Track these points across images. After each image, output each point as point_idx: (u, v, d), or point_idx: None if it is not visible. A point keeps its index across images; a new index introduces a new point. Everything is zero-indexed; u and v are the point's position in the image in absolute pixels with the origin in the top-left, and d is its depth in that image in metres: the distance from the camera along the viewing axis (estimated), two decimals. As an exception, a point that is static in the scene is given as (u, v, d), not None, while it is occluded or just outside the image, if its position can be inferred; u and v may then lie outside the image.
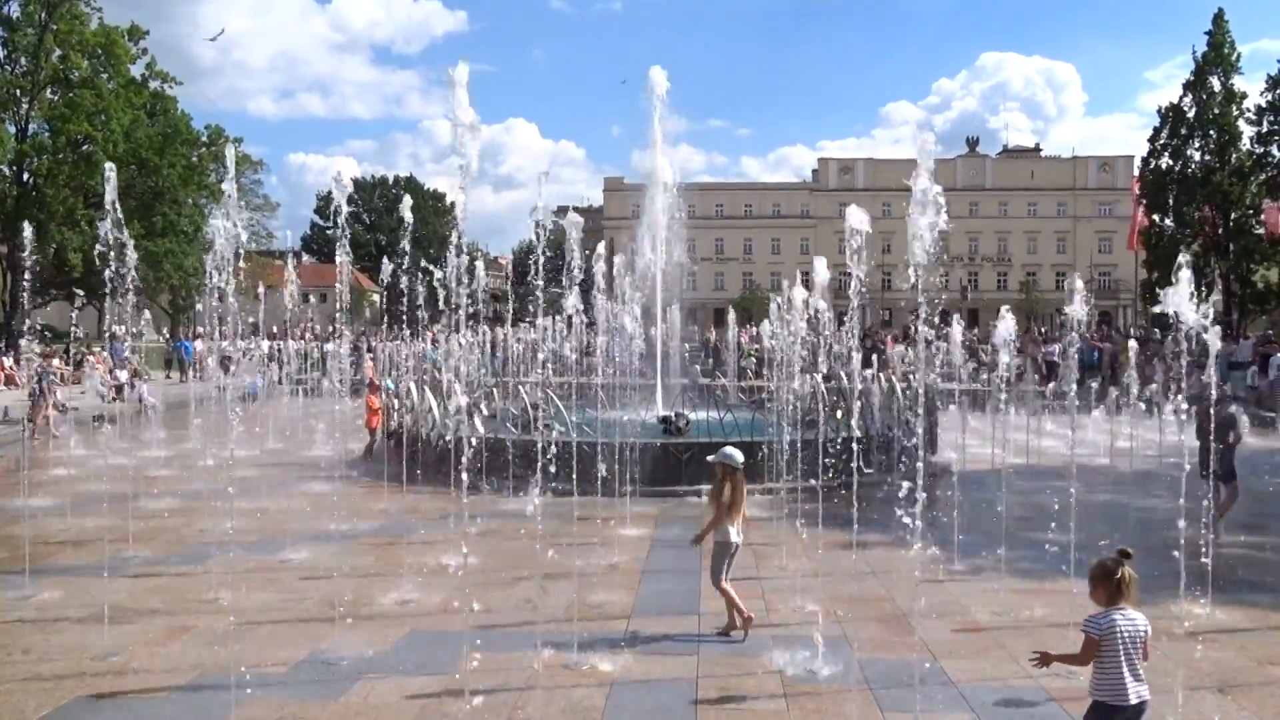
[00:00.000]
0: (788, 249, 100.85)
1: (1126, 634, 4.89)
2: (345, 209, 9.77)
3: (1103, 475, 16.49)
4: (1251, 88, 46.35)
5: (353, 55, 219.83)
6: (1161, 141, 45.30)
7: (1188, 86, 44.55)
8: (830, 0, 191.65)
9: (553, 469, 14.60)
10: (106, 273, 10.85)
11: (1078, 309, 9.88)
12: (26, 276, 33.36)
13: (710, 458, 8.28)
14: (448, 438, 15.80)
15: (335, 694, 6.73)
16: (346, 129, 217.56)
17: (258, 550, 10.82)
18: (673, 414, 16.93)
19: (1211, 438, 11.41)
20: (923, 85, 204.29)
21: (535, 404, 16.95)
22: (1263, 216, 42.08)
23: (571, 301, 12.25)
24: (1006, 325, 11.51)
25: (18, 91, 46.20)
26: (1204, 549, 8.10)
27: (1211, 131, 43.66)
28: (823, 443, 15.67)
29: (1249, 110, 43.56)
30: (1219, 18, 43.75)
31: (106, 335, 29.19)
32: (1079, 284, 10.48)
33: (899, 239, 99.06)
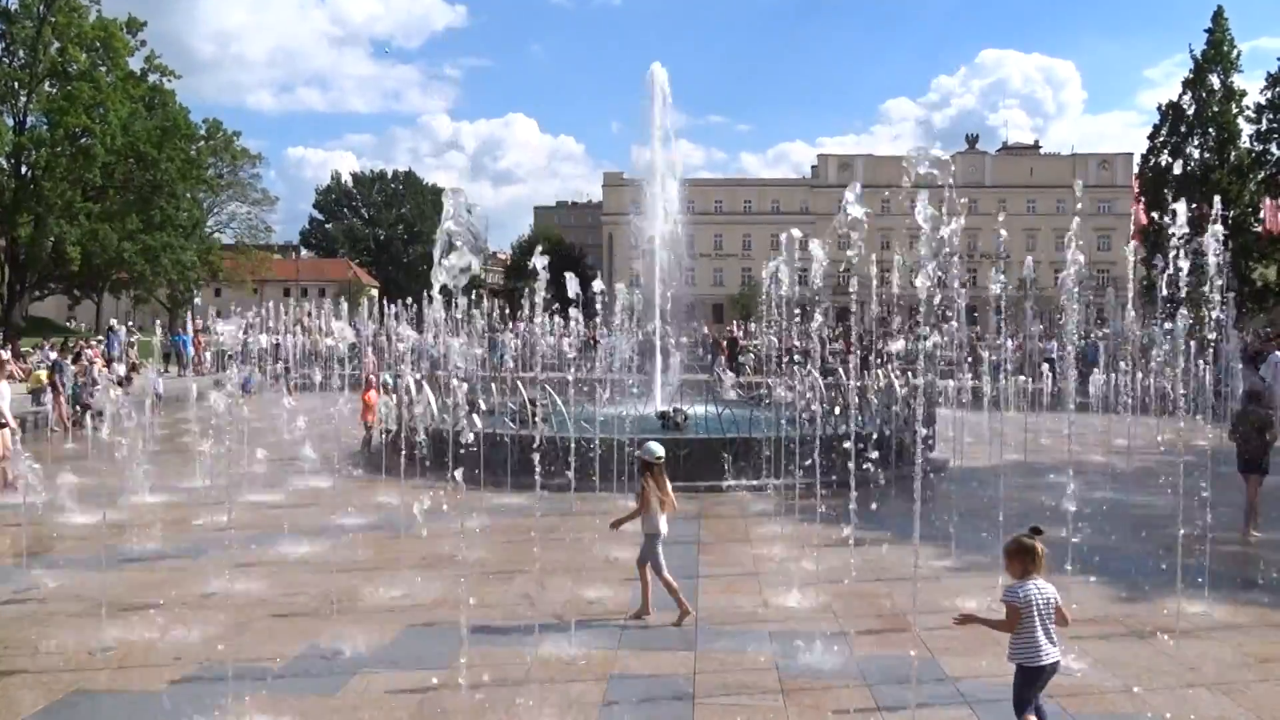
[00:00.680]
0: (786, 245, 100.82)
1: (1040, 602, 5.46)
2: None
3: (1101, 472, 16.50)
4: (1251, 85, 46.43)
5: (352, 49, 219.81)
6: (1161, 139, 45.33)
7: (1187, 84, 44.57)
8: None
9: (548, 464, 14.66)
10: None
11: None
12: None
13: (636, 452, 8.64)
14: (445, 432, 15.81)
15: (332, 688, 6.74)
16: (345, 123, 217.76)
17: (255, 544, 10.81)
18: (671, 409, 16.93)
19: (1245, 435, 11.82)
20: (922, 82, 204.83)
21: (533, 399, 16.94)
22: (1261, 214, 42.11)
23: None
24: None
25: (16, 84, 46.12)
26: (1201, 546, 8.12)
27: (1211, 129, 43.68)
28: (820, 439, 15.66)
29: (1248, 108, 43.57)
30: (1218, 15, 43.75)
31: (106, 329, 29.18)
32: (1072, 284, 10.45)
33: (897, 235, 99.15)
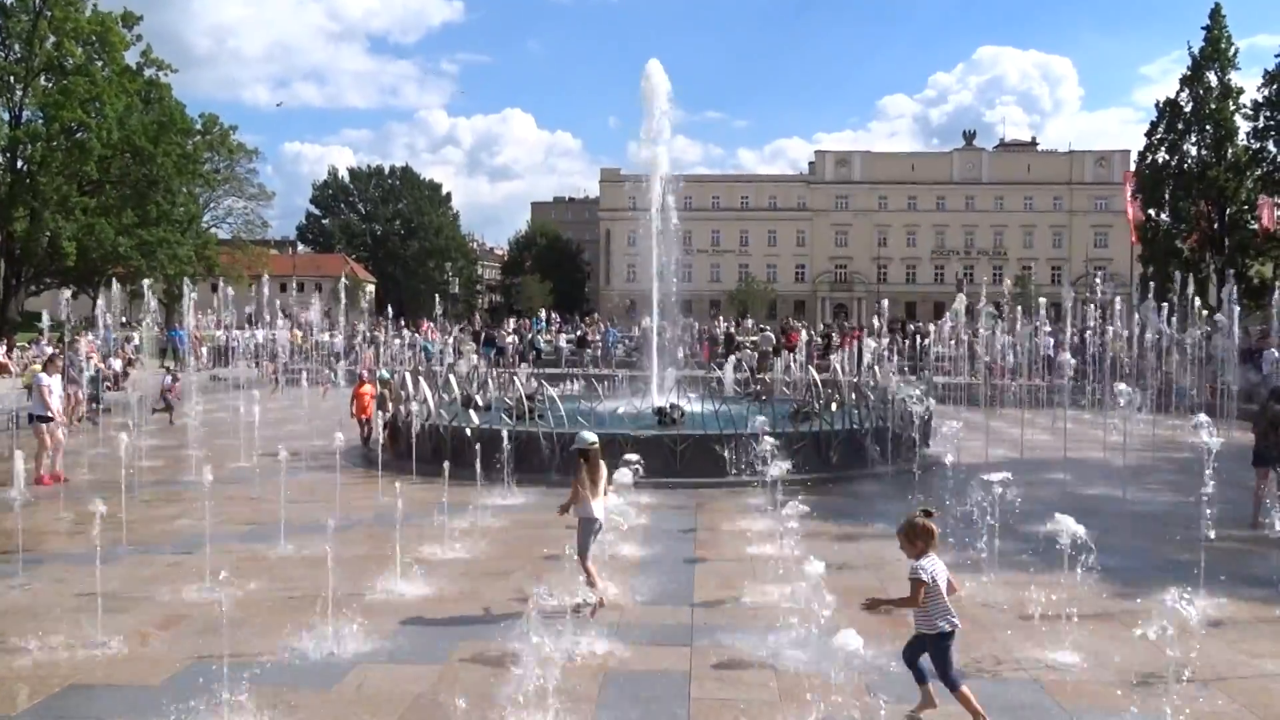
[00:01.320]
0: (784, 241, 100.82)
1: (940, 575, 6.01)
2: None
3: (1098, 469, 16.53)
4: (1248, 83, 46.40)
5: (349, 45, 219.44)
6: (1158, 136, 45.31)
7: (1184, 81, 44.55)
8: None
9: (547, 459, 14.64)
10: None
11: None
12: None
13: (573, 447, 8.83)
14: (442, 428, 15.81)
15: (329, 682, 6.74)
16: (342, 118, 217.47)
17: (251, 539, 10.81)
18: (668, 405, 16.94)
19: (1264, 430, 12.18)
20: (919, 78, 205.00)
21: (530, 395, 16.95)
22: (1258, 211, 42.14)
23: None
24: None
25: (11, 78, 45.97)
26: (1198, 542, 8.14)
27: (1208, 126, 43.67)
28: (818, 434, 15.69)
29: (1245, 106, 43.57)
30: (1216, 12, 43.74)
31: (102, 324, 29.10)
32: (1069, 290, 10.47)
33: (894, 232, 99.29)
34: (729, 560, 10.39)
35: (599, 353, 37.22)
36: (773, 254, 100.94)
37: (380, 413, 16.48)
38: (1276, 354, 26.78)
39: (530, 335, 42.49)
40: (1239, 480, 12.97)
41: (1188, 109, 44.31)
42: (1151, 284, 31.15)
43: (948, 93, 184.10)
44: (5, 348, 33.71)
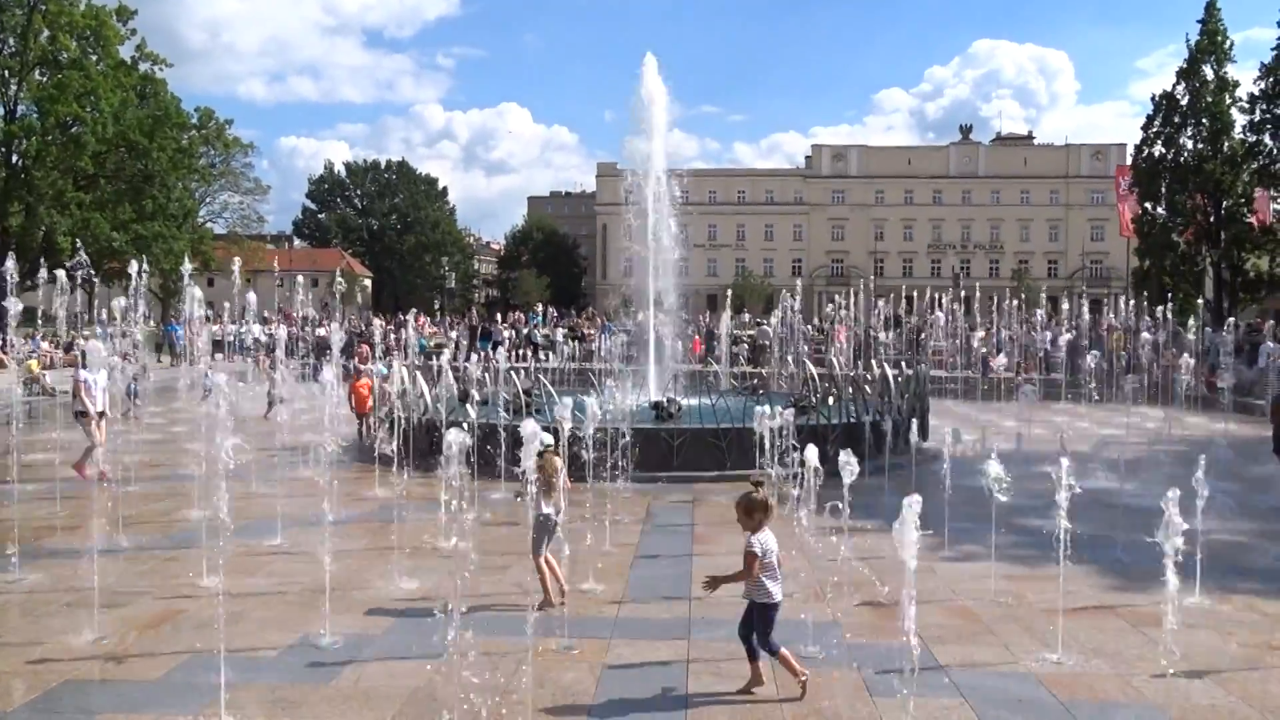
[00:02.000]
0: (781, 235, 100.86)
1: (772, 549, 6.35)
2: None
3: (1095, 462, 16.54)
4: (1244, 76, 46.40)
5: (344, 39, 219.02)
6: (1154, 129, 45.29)
7: (1181, 74, 44.51)
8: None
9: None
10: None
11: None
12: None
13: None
14: (439, 423, 15.79)
15: (326, 678, 6.74)
16: (338, 113, 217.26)
17: (248, 535, 10.79)
18: (664, 399, 16.93)
19: None
20: (915, 72, 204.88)
21: (528, 389, 16.93)
22: (1255, 205, 42.14)
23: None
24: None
25: (6, 73, 45.84)
26: (1195, 535, 8.13)
27: (1204, 120, 43.65)
28: (815, 427, 15.67)
29: (1242, 99, 43.55)
30: (1211, 6, 43.68)
31: (101, 319, 29.03)
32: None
33: (891, 226, 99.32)
34: (726, 553, 10.37)
35: (595, 347, 37.23)
36: (769, 248, 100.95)
37: (377, 407, 16.46)
38: (1271, 346, 26.82)
39: (527, 330, 42.47)
40: (1236, 472, 13.04)
41: (1184, 102, 44.27)
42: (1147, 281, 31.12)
43: (944, 86, 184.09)
44: (2, 342, 33.64)
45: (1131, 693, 6.57)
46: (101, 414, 14.31)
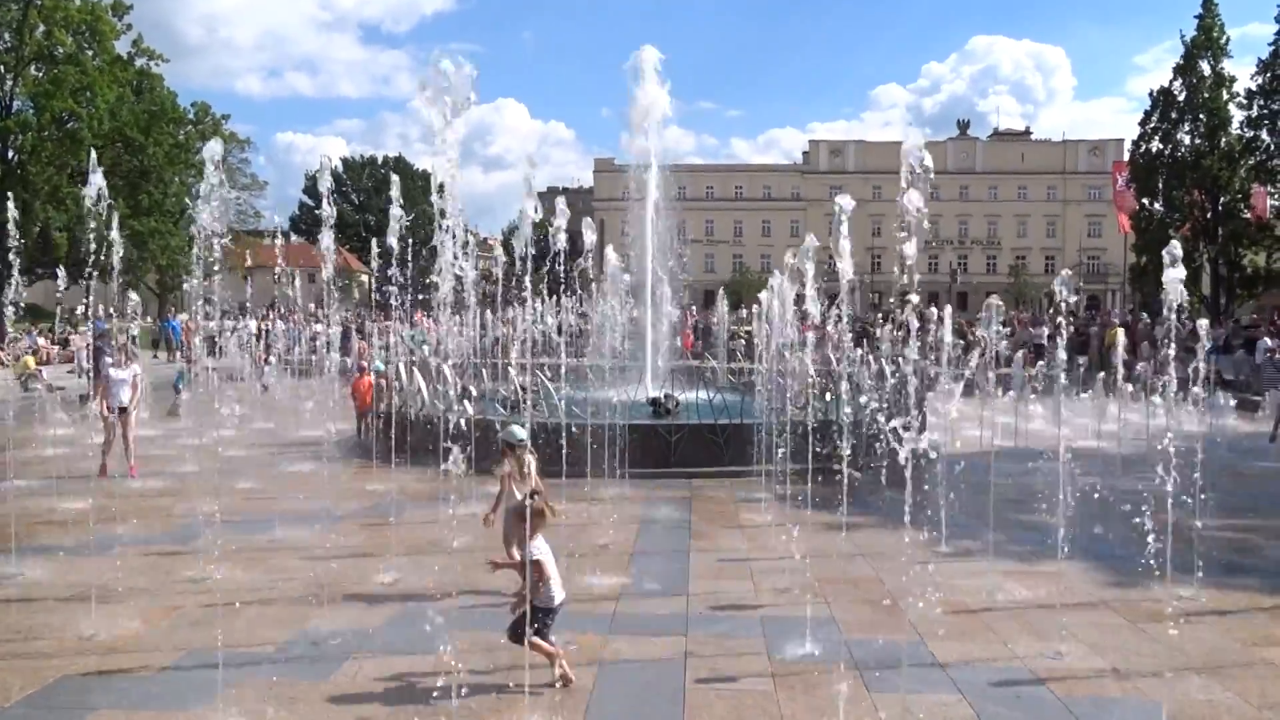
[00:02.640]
0: (778, 231, 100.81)
1: (552, 554, 6.58)
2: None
3: (1091, 458, 16.55)
4: (1241, 71, 46.42)
5: (341, 34, 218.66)
6: (1152, 125, 45.32)
7: (1178, 70, 44.52)
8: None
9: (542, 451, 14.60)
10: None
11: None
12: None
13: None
14: (436, 418, 15.77)
15: (324, 673, 6.73)
16: (335, 108, 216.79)
17: (246, 530, 10.79)
18: (662, 395, 16.92)
19: None
20: (912, 68, 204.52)
21: (525, 385, 16.91)
22: (1251, 201, 42.17)
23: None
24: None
25: (1, 68, 45.68)
26: (1192, 531, 8.15)
27: (1201, 116, 43.67)
28: (812, 425, 15.64)
29: (1239, 94, 43.57)
30: (1208, 1, 43.70)
31: (99, 314, 28.98)
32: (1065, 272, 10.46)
33: (888, 222, 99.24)
34: (723, 549, 10.39)
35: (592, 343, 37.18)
36: (767, 244, 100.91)
37: (376, 403, 16.45)
38: (1269, 342, 26.86)
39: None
40: (1233, 468, 13.06)
41: (1181, 98, 44.29)
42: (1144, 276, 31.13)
43: (941, 82, 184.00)
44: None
45: (1129, 689, 6.57)
46: (123, 410, 14.31)
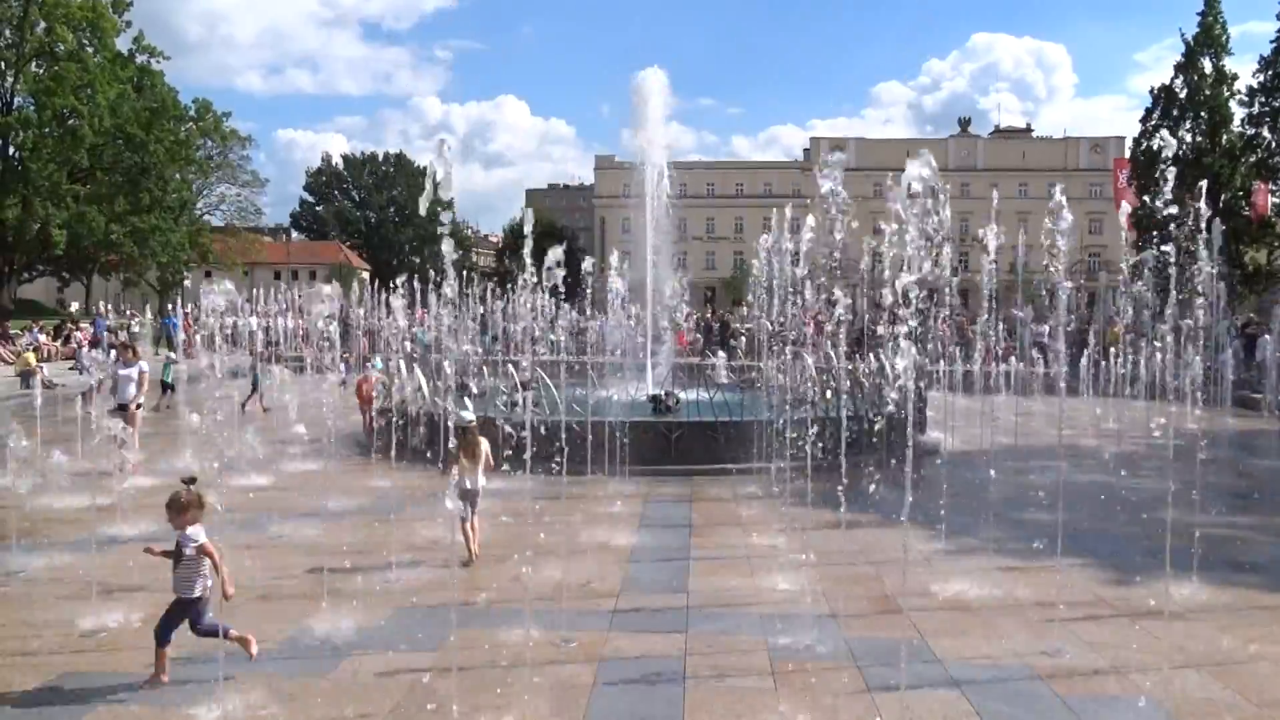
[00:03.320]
0: (779, 228, 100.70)
1: (203, 543, 6.47)
2: None
3: (1091, 455, 16.56)
4: (1242, 69, 46.36)
5: (341, 31, 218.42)
6: (1153, 123, 45.30)
7: (1179, 68, 44.51)
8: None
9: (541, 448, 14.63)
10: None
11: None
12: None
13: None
14: (437, 416, 15.77)
15: (324, 670, 6.74)
16: (336, 105, 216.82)
17: (246, 527, 10.79)
18: (663, 393, 16.93)
19: None
20: (913, 65, 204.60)
21: (525, 383, 16.91)
22: (1252, 198, 42.16)
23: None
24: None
25: (2, 65, 45.73)
26: (1190, 529, 8.15)
27: (1202, 113, 43.64)
28: (811, 422, 15.65)
29: (1240, 92, 43.54)
30: (1210, -1, 43.69)
31: (94, 314, 28.99)
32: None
33: (888, 218, 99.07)
34: (723, 546, 10.40)
35: (594, 341, 37.21)
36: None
37: (377, 401, 16.45)
38: (1270, 339, 26.82)
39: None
40: (1233, 465, 13.04)
41: (1182, 95, 44.27)
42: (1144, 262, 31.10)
43: (942, 80, 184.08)
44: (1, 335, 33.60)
45: (1128, 686, 6.58)
46: (123, 407, 14.32)
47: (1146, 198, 45.81)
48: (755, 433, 14.40)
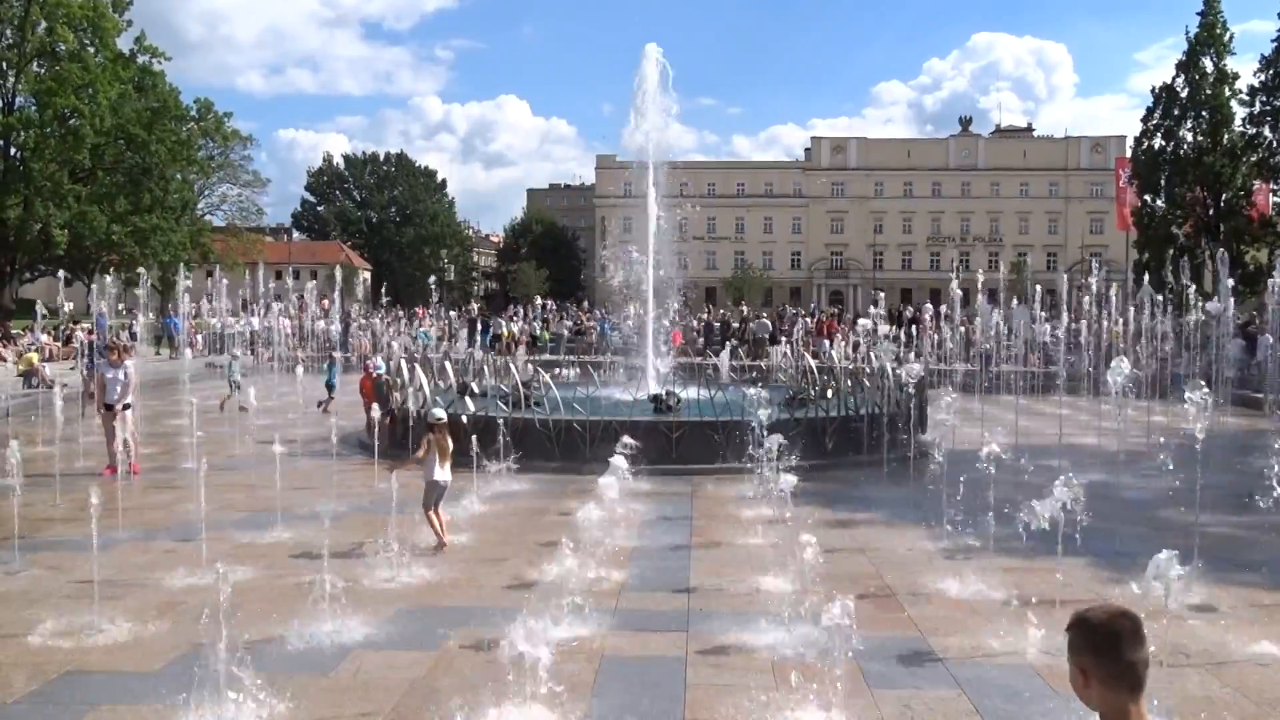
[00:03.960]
0: (780, 228, 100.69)
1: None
2: None
3: (1092, 455, 16.57)
4: (1244, 68, 46.28)
5: (342, 31, 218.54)
6: (1154, 122, 45.24)
7: (1180, 67, 44.46)
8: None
9: (540, 446, 14.64)
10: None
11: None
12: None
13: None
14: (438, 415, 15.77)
15: (325, 669, 6.75)
16: (337, 105, 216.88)
17: (247, 527, 10.81)
18: (663, 392, 16.94)
19: None
20: (914, 65, 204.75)
21: (526, 382, 16.93)
22: (1254, 197, 42.12)
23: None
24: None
25: (4, 65, 45.77)
26: (1190, 528, 8.15)
27: (1204, 112, 43.60)
28: (813, 420, 15.68)
29: (1241, 91, 43.50)
30: (1211, -3, 43.65)
31: (96, 314, 28.98)
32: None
33: (890, 219, 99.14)
34: (724, 545, 10.41)
35: (593, 340, 37.29)
36: (769, 241, 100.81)
37: (378, 400, 16.46)
38: (1270, 339, 26.82)
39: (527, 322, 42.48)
40: (1232, 465, 13.03)
41: (1183, 95, 44.22)
42: (1147, 273, 31.18)
43: (942, 79, 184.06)
44: (1, 334, 33.62)
45: (1128, 684, 6.57)
46: (109, 407, 14.29)
47: (1148, 197, 45.80)
48: (754, 433, 14.40)
